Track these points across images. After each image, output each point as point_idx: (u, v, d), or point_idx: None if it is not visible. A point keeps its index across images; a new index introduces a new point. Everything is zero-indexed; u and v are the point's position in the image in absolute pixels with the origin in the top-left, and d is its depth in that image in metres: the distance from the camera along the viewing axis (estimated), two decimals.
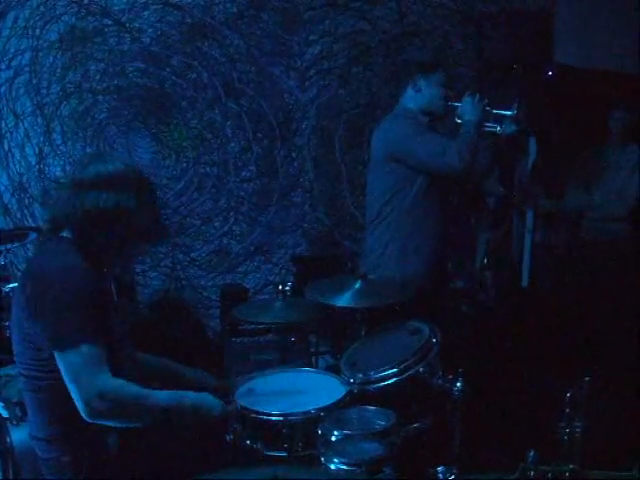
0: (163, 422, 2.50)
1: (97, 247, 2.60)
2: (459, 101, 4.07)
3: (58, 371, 2.44)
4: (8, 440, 2.94)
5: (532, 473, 2.27)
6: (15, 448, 2.91)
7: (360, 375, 3.09)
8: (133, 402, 2.42)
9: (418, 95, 4.09)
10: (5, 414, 3.09)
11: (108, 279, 2.77)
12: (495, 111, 4.09)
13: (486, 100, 4.03)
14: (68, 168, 5.29)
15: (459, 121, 4.08)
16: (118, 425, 2.46)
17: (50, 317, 2.42)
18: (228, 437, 2.87)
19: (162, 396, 2.52)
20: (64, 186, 2.64)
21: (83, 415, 2.37)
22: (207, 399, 2.62)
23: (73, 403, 2.43)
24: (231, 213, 5.64)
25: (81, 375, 2.37)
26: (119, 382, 2.41)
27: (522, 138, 5.35)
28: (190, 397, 2.58)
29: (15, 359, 2.64)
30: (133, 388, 2.44)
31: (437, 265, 4.21)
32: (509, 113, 4.06)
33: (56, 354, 2.41)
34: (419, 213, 4.08)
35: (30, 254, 5.20)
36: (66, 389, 2.43)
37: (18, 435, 2.90)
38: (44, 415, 2.57)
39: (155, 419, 2.48)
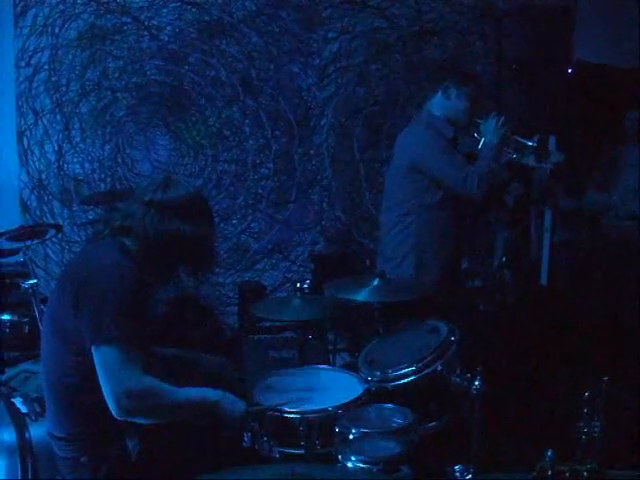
0: (188, 418, 2.52)
1: (147, 260, 2.66)
2: (483, 119, 4.09)
3: (85, 370, 2.46)
4: (27, 435, 2.95)
5: (550, 472, 2.26)
6: (33, 443, 2.92)
7: (378, 373, 3.09)
8: (161, 400, 2.44)
9: (446, 102, 4.09)
10: (24, 409, 3.11)
11: (153, 286, 2.80)
12: (517, 138, 4.12)
13: (509, 125, 4.06)
14: (87, 165, 5.32)
15: (477, 137, 4.10)
16: (146, 422, 2.48)
17: (93, 310, 2.45)
18: (246, 436, 2.87)
19: (187, 393, 2.55)
20: (137, 201, 2.69)
21: (113, 412, 2.39)
22: (229, 396, 2.64)
23: (94, 404, 2.44)
24: (249, 211, 5.64)
25: (114, 372, 2.40)
26: (149, 380, 2.43)
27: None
28: (213, 393, 2.61)
29: (41, 354, 2.67)
30: (162, 386, 2.47)
31: (453, 270, 4.23)
32: (530, 143, 4.10)
33: (93, 348, 2.43)
34: (438, 224, 4.10)
35: (49, 251, 5.23)
36: (89, 390, 2.44)
37: (37, 431, 2.91)
38: (67, 414, 2.58)
39: (181, 415, 2.50)
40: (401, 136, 4.26)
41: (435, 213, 4.08)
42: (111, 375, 2.39)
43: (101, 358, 2.42)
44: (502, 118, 4.07)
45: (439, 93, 4.12)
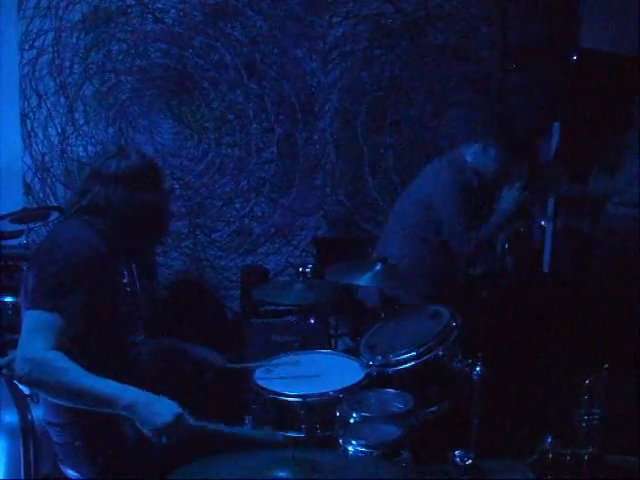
0: (93, 407, 2.40)
1: (120, 236, 2.67)
2: (508, 186, 4.18)
3: (65, 353, 2.45)
4: (29, 417, 2.96)
5: (550, 455, 2.28)
6: (36, 425, 2.93)
7: (379, 358, 3.10)
8: (57, 377, 2.33)
9: (482, 158, 4.14)
10: (26, 391, 3.12)
11: (122, 263, 2.79)
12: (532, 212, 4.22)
13: (528, 194, 4.23)
14: (90, 148, 5.31)
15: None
16: (44, 395, 2.46)
17: (34, 278, 2.47)
18: (247, 419, 2.89)
19: (96, 383, 2.38)
20: (90, 175, 2.71)
21: (16, 372, 2.38)
22: (158, 404, 2.42)
23: None
24: (252, 194, 5.64)
25: (24, 337, 2.39)
26: (53, 355, 2.35)
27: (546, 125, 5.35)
28: (134, 396, 2.41)
29: None
30: (66, 365, 2.35)
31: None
32: (543, 223, 4.18)
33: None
34: (441, 261, 4.21)
35: None
36: None
37: (39, 413, 2.92)
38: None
39: (81, 401, 2.38)
40: (428, 168, 4.34)
41: (433, 246, 4.16)
42: (21, 338, 2.39)
43: (24, 321, 2.43)
44: (525, 191, 4.18)
45: (479, 145, 4.15)
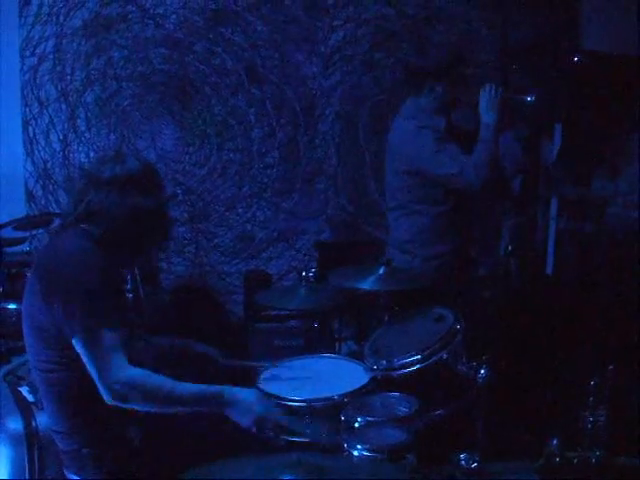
0: (187, 409, 2.49)
1: (115, 243, 2.62)
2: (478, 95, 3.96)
3: (68, 363, 2.45)
4: (33, 424, 2.96)
5: (557, 459, 2.27)
6: (40, 432, 2.93)
7: (384, 361, 3.09)
8: (155, 391, 2.41)
9: (432, 95, 3.95)
10: (30, 398, 3.12)
11: (123, 269, 2.78)
12: (512, 96, 3.96)
13: (501, 89, 3.87)
14: (92, 155, 5.31)
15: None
16: (140, 409, 2.45)
17: (64, 301, 2.42)
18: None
19: (191, 389, 2.49)
20: (86, 182, 2.66)
21: (105, 398, 2.38)
22: (251, 395, 2.60)
23: (84, 395, 2.43)
24: (254, 199, 5.63)
25: (101, 360, 2.37)
26: (137, 373, 2.41)
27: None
28: (229, 392, 2.54)
29: (27, 351, 2.65)
30: (156, 378, 2.44)
31: (462, 252, 4.20)
32: (528, 99, 3.94)
33: (73, 340, 2.41)
34: (444, 217, 4.03)
35: None
36: (79, 381, 2.43)
37: (43, 419, 2.92)
38: (60, 408, 2.57)
39: (184, 409, 2.46)
40: (391, 135, 4.16)
41: (439, 208, 4.02)
42: (98, 364, 2.37)
43: (83, 348, 2.39)
44: (494, 87, 3.88)
45: (426, 87, 3.96)
